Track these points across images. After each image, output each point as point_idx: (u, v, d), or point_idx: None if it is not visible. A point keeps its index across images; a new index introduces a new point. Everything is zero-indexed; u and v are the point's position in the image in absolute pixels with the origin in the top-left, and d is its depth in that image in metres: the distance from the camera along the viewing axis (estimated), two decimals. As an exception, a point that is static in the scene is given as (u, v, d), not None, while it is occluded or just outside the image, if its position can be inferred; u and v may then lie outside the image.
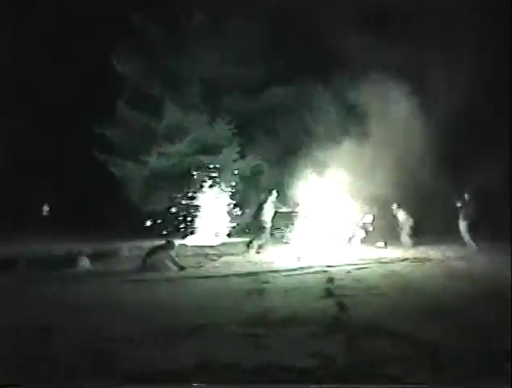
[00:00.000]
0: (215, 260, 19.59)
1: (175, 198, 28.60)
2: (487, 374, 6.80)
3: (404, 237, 22.84)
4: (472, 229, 21.18)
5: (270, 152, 30.53)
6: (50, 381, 6.06)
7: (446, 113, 23.81)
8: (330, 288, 13.02)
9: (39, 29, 31.52)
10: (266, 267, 17.19)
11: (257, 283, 14.36)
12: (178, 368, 7.21)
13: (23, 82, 31.14)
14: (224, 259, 20.01)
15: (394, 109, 26.27)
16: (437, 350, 7.73)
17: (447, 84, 24.13)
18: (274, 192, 22.06)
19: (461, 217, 21.51)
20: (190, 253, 21.59)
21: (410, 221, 22.87)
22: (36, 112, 31.78)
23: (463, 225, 21.41)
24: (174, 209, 28.37)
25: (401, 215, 23.14)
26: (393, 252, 20.84)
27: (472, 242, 20.93)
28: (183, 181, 28.64)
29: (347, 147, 25.33)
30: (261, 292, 12.98)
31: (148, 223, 28.01)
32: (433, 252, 20.41)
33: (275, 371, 7.01)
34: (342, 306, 10.80)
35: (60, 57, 31.79)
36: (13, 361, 7.55)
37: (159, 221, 28.15)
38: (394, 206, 23.35)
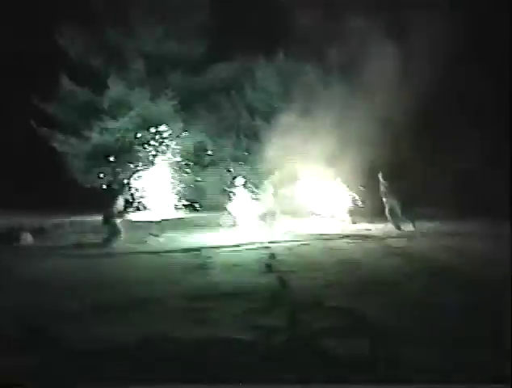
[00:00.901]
0: (158, 236, 19.75)
1: (118, 173, 28.58)
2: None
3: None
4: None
5: (213, 128, 30.65)
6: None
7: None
8: (271, 263, 13.32)
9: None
10: (209, 244, 17.36)
11: (200, 258, 14.63)
12: (122, 342, 7.40)
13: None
14: (167, 234, 20.19)
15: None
16: (369, 321, 8.06)
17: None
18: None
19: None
20: (134, 228, 21.70)
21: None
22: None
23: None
24: (116, 185, 28.36)
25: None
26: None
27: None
28: (126, 157, 28.60)
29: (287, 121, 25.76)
30: (204, 267, 13.25)
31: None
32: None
33: (216, 344, 7.25)
34: (282, 281, 11.10)
35: (2, 29, 31.34)
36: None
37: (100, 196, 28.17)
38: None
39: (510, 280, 9.66)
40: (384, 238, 18.23)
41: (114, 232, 17.81)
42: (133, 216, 26.19)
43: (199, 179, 28.95)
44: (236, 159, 29.22)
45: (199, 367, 6.61)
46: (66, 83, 30.06)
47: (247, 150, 29.28)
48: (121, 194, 20.85)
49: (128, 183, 27.83)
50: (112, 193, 24.97)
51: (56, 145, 30.04)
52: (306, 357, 6.78)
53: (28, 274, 12.82)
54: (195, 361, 6.77)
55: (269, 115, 29.45)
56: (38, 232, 19.78)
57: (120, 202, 18.79)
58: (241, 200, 22.53)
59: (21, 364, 6.41)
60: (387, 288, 10.50)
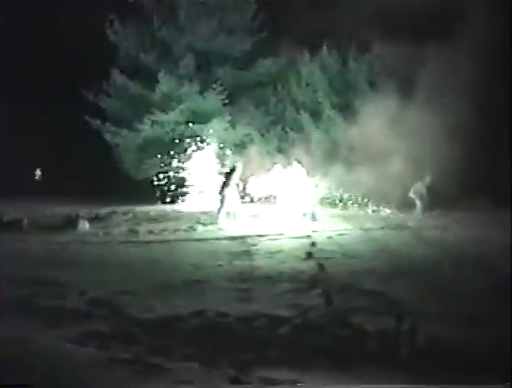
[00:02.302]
0: (207, 225, 20.71)
1: (168, 165, 29.53)
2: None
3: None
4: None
5: (259, 121, 31.47)
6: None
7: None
8: (312, 251, 14.26)
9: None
10: (254, 232, 18.28)
11: (245, 245, 15.66)
12: (176, 314, 8.42)
13: (23, 49, 31.55)
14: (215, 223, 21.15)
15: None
16: (400, 304, 8.96)
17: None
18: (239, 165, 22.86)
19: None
20: (183, 217, 22.77)
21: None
22: (34, 79, 32.24)
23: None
24: (166, 176, 29.37)
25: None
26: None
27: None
28: (176, 149, 29.53)
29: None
30: (249, 253, 14.29)
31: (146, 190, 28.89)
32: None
33: (260, 319, 8.22)
34: (321, 267, 12.05)
35: (56, 25, 32.28)
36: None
37: (151, 187, 29.21)
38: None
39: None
40: (420, 229, 18.97)
41: None
42: (182, 205, 27.22)
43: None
44: (281, 151, 30.00)
45: (243, 338, 7.60)
46: (118, 77, 31.15)
47: (292, 143, 30.07)
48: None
49: (178, 174, 28.84)
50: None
51: (108, 136, 31.18)
52: (337, 330, 7.71)
53: (89, 257, 14.01)
54: (238, 332, 7.77)
55: (314, 110, 30.39)
56: (94, 220, 20.94)
57: None
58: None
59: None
60: (419, 274, 11.41)
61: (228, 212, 21.42)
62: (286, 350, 7.10)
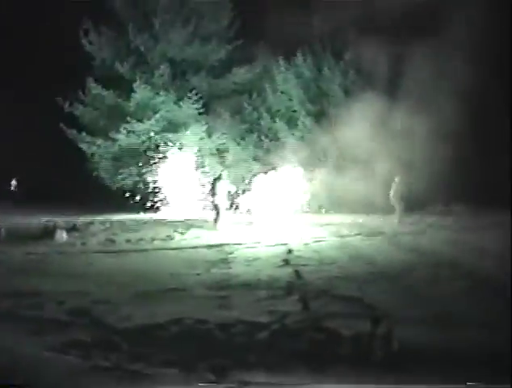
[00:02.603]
0: (183, 233, 20.85)
1: (144, 174, 29.65)
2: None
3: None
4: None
5: (235, 130, 31.69)
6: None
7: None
8: (288, 258, 14.44)
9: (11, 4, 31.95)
10: (230, 240, 18.44)
11: (222, 253, 15.81)
12: (155, 322, 8.54)
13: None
14: (191, 232, 21.29)
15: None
16: (375, 308, 9.13)
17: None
18: (224, 174, 23.19)
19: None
20: (160, 226, 22.90)
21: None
22: (9, 88, 32.20)
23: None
24: (142, 185, 29.48)
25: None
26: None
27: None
28: (152, 158, 29.65)
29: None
30: (226, 261, 14.44)
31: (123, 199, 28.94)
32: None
33: (238, 325, 8.37)
34: (297, 274, 12.23)
35: (31, 35, 32.33)
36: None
37: (127, 196, 29.28)
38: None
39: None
40: (394, 236, 19.20)
41: None
42: (159, 214, 27.33)
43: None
44: (257, 159, 30.25)
45: (222, 344, 7.75)
46: (93, 87, 31.25)
47: (268, 151, 30.32)
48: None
49: (154, 183, 28.95)
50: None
51: (83, 146, 31.25)
52: (313, 335, 7.88)
53: (67, 267, 14.10)
54: (218, 339, 7.92)
55: (289, 118, 30.66)
56: (71, 230, 21.00)
57: None
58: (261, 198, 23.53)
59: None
60: (393, 279, 11.63)
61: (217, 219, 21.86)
62: (264, 354, 7.23)
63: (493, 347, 7.15)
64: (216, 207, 21.89)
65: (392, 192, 23.01)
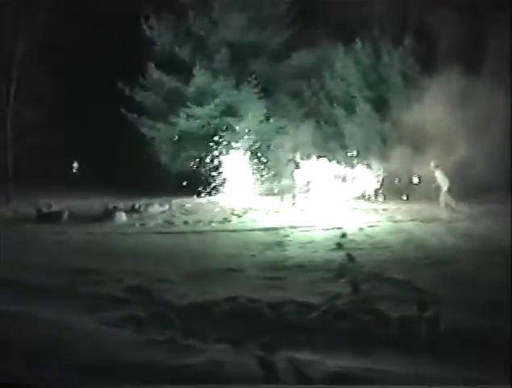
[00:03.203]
0: (240, 216, 21.20)
1: (203, 158, 29.98)
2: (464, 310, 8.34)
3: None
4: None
5: (293, 114, 31.81)
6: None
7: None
8: (341, 242, 14.67)
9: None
10: (286, 224, 18.71)
11: (278, 236, 16.12)
12: (210, 300, 8.87)
13: (59, 46, 31.97)
14: (248, 215, 21.63)
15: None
16: (424, 292, 9.31)
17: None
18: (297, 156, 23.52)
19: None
20: (218, 209, 23.31)
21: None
22: (68, 74, 32.70)
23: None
24: (201, 168, 29.81)
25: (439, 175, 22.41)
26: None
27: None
28: (211, 142, 29.96)
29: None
30: (281, 244, 14.74)
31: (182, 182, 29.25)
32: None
33: (289, 305, 8.64)
34: (350, 257, 12.45)
35: (93, 22, 32.80)
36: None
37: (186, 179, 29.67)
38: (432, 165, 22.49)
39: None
40: (450, 221, 19.18)
41: None
42: (217, 198, 27.68)
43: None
44: (315, 144, 30.36)
45: (273, 322, 8.04)
46: (154, 72, 31.70)
47: (326, 135, 30.45)
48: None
49: (213, 167, 29.25)
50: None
51: (144, 130, 31.77)
52: (360, 316, 8.12)
53: (126, 247, 14.56)
54: (268, 317, 8.21)
55: (347, 104, 30.72)
56: (131, 211, 21.54)
57: None
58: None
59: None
60: (445, 264, 11.75)
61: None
62: (312, 334, 7.50)
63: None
64: (286, 189, 22.31)
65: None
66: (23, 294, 9.37)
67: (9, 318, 7.94)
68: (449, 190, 21.38)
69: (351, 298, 9.03)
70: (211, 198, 27.81)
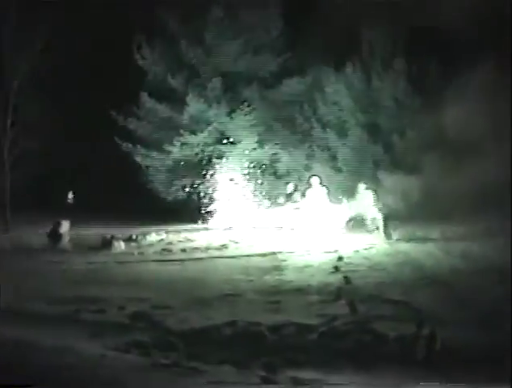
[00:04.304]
0: (237, 242, 21.35)
1: (197, 185, 30.09)
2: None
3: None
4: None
5: (286, 140, 32.00)
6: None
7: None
8: (338, 265, 14.85)
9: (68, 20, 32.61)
10: (283, 248, 18.69)
11: (275, 261, 16.29)
12: (210, 325, 9.03)
13: (55, 75, 32.03)
14: (244, 241, 21.77)
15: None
16: (421, 312, 9.49)
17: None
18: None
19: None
20: (214, 236, 23.46)
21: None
22: (64, 103, 32.78)
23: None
24: (196, 196, 29.92)
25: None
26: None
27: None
28: (205, 169, 30.08)
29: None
30: (279, 268, 14.92)
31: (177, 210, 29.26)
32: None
33: (289, 327, 8.81)
34: (347, 279, 12.64)
35: (86, 50, 32.99)
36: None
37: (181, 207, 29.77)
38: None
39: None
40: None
41: None
42: (213, 224, 27.80)
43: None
44: (309, 170, 30.53)
45: (274, 343, 8.22)
46: (147, 101, 31.92)
47: (319, 160, 30.65)
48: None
49: (207, 194, 29.36)
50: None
51: (138, 158, 31.92)
52: (359, 336, 8.29)
53: (126, 275, 14.71)
54: (269, 339, 8.39)
55: (340, 128, 30.96)
56: (128, 240, 21.71)
57: None
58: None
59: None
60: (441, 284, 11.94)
61: None
62: (312, 354, 7.67)
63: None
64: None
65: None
66: (26, 322, 9.51)
67: (12, 346, 8.09)
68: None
69: (349, 319, 9.20)
70: (208, 225, 27.93)
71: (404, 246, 18.51)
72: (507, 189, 22.83)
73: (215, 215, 28.66)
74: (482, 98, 24.31)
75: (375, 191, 24.22)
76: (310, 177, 24.02)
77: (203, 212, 28.82)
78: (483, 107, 24.06)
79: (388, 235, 19.56)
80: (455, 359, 7.35)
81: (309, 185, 23.37)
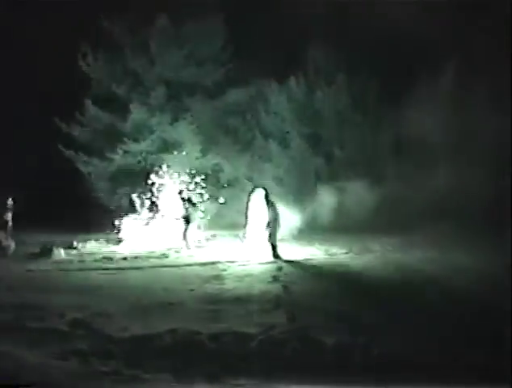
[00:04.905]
0: (178, 252, 21.40)
1: (139, 194, 29.99)
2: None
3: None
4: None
5: (229, 150, 32.19)
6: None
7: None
8: (278, 275, 15.07)
9: (7, 28, 32.39)
10: (223, 258, 19.03)
11: (216, 270, 16.43)
12: (150, 333, 9.13)
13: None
14: (185, 250, 21.85)
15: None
16: (353, 318, 9.76)
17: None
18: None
19: None
20: (156, 244, 23.46)
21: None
22: (8, 109, 32.47)
23: None
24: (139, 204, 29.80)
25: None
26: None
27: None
28: (147, 178, 30.00)
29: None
30: (219, 277, 15.06)
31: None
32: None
33: (229, 336, 8.96)
34: (286, 289, 12.86)
35: (31, 56, 32.76)
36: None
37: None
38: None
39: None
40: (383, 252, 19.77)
41: None
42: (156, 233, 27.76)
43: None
44: (250, 179, 30.73)
45: (212, 354, 8.36)
46: (90, 108, 31.81)
47: (261, 171, 30.91)
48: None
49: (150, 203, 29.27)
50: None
51: (80, 166, 31.78)
52: (296, 345, 8.49)
53: (66, 283, 14.69)
54: (208, 349, 8.53)
55: (282, 138, 31.29)
56: (69, 248, 21.62)
57: None
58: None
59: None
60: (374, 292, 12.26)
61: None
62: (251, 361, 7.84)
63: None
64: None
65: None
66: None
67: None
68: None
69: (287, 328, 9.39)
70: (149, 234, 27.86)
71: (342, 258, 18.80)
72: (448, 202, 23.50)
73: (157, 223, 28.52)
74: (424, 110, 25.01)
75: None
76: (253, 188, 23.78)
77: (145, 220, 28.61)
78: (424, 119, 24.72)
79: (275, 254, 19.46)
80: (391, 365, 7.57)
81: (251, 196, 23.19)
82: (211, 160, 31.77)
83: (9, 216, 22.75)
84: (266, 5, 30.26)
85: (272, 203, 19.97)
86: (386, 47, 27.37)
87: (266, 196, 20.42)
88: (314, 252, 20.42)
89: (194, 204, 23.66)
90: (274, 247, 19.09)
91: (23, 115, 32.47)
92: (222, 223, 28.26)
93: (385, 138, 27.47)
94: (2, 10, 32.38)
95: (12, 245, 21.02)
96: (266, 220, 19.70)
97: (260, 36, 30.65)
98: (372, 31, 27.34)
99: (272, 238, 19.26)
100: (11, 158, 32.58)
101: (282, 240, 20.80)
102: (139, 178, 30.18)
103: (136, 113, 30.92)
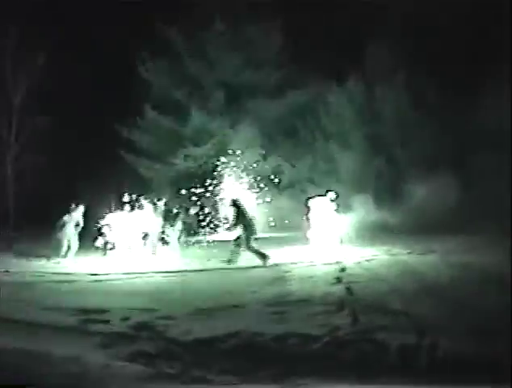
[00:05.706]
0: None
1: (201, 197, 30.21)
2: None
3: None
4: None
5: (289, 152, 32.22)
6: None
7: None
8: (341, 276, 15.01)
9: (70, 34, 32.94)
10: (287, 260, 19.19)
11: (279, 272, 16.46)
12: (217, 335, 9.19)
13: (58, 89, 32.36)
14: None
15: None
16: (421, 321, 9.64)
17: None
18: None
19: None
20: (223, 247, 23.57)
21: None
22: (69, 116, 33.01)
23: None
24: (200, 208, 29.99)
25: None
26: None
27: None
28: (209, 181, 30.19)
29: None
30: (282, 279, 15.09)
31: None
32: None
33: (292, 338, 8.96)
34: (349, 290, 12.80)
35: (91, 64, 33.27)
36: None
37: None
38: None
39: None
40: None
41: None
42: (218, 236, 27.90)
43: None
44: (311, 181, 30.70)
45: (277, 355, 8.37)
46: (150, 113, 32.16)
47: (322, 173, 30.85)
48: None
49: (212, 205, 29.46)
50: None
51: (142, 170, 32.14)
52: (362, 346, 8.45)
53: (130, 286, 14.90)
54: (272, 350, 8.54)
55: (343, 140, 31.15)
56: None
57: None
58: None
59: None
60: (441, 294, 12.07)
61: None
62: (316, 363, 7.83)
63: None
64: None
65: None
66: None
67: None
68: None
69: (351, 329, 9.35)
70: (213, 236, 28.01)
71: (404, 258, 18.62)
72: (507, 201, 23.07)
73: (219, 227, 28.71)
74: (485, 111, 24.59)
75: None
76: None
77: (208, 223, 28.83)
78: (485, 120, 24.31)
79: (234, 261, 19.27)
80: (457, 367, 7.47)
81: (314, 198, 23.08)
82: (272, 163, 31.80)
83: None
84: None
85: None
86: (448, 43, 27.01)
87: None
88: (376, 252, 20.29)
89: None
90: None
91: (83, 122, 32.93)
92: (284, 225, 28.26)
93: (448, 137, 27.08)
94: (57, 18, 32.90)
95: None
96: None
97: (317, 37, 30.64)
98: (432, 28, 27.10)
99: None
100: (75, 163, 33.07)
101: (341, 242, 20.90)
102: (200, 181, 30.36)
103: (196, 118, 31.19)
